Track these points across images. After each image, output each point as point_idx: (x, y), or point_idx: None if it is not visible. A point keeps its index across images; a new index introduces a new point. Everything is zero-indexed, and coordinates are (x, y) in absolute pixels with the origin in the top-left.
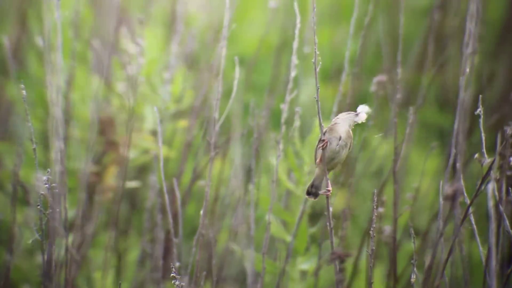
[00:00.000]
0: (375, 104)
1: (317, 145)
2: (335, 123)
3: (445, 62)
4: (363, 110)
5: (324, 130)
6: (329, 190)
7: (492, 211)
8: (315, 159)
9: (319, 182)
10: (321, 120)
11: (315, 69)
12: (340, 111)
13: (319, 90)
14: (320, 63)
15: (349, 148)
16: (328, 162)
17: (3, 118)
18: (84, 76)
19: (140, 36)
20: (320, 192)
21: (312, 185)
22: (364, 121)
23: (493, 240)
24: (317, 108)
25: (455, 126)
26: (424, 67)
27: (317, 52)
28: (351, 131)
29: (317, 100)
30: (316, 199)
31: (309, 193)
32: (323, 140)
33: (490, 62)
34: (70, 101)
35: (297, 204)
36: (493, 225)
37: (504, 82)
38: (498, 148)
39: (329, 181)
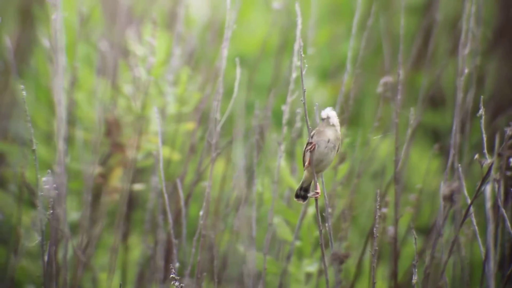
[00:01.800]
0: (380, 105)
1: (305, 148)
2: (320, 126)
3: (439, 60)
4: (329, 113)
5: (312, 133)
6: (317, 193)
7: (489, 212)
8: (304, 162)
9: (308, 184)
10: (309, 123)
11: (301, 73)
12: (341, 111)
13: (318, 90)
14: (306, 66)
15: (338, 150)
16: (316, 165)
17: (5, 118)
18: (89, 77)
19: (152, 36)
20: (309, 194)
21: (301, 188)
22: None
23: (491, 241)
24: (305, 111)
25: (454, 127)
26: (421, 66)
27: (303, 55)
28: (339, 133)
29: (304, 103)
30: (305, 202)
31: (297, 196)
32: (311, 143)
33: (484, 61)
34: (74, 102)
35: (300, 204)
36: (491, 226)
37: (497, 81)
38: (497, 148)
39: (317, 183)
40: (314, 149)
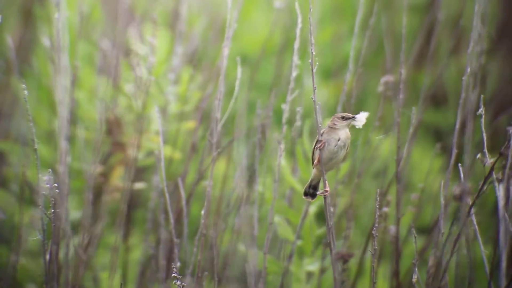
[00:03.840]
0: (381, 104)
1: (315, 146)
2: (333, 124)
3: (441, 59)
4: (363, 117)
5: (322, 131)
6: (326, 191)
7: (502, 212)
8: (313, 160)
9: (317, 182)
10: (319, 121)
11: (312, 71)
12: (343, 111)
13: (320, 89)
14: (317, 64)
15: (347, 149)
16: (326, 163)
17: (7, 117)
18: (90, 76)
19: (153, 35)
20: (318, 192)
21: (309, 186)
22: (361, 127)
23: (503, 240)
24: (314, 109)
25: (456, 126)
26: (423, 65)
27: (314, 53)
28: (348, 132)
29: (314, 101)
30: (314, 200)
31: (306, 193)
32: (321, 141)
33: (485, 60)
34: (75, 101)
35: (302, 202)
36: (502, 226)
37: (499, 80)
38: (504, 148)
39: (326, 181)
40: (323, 147)
